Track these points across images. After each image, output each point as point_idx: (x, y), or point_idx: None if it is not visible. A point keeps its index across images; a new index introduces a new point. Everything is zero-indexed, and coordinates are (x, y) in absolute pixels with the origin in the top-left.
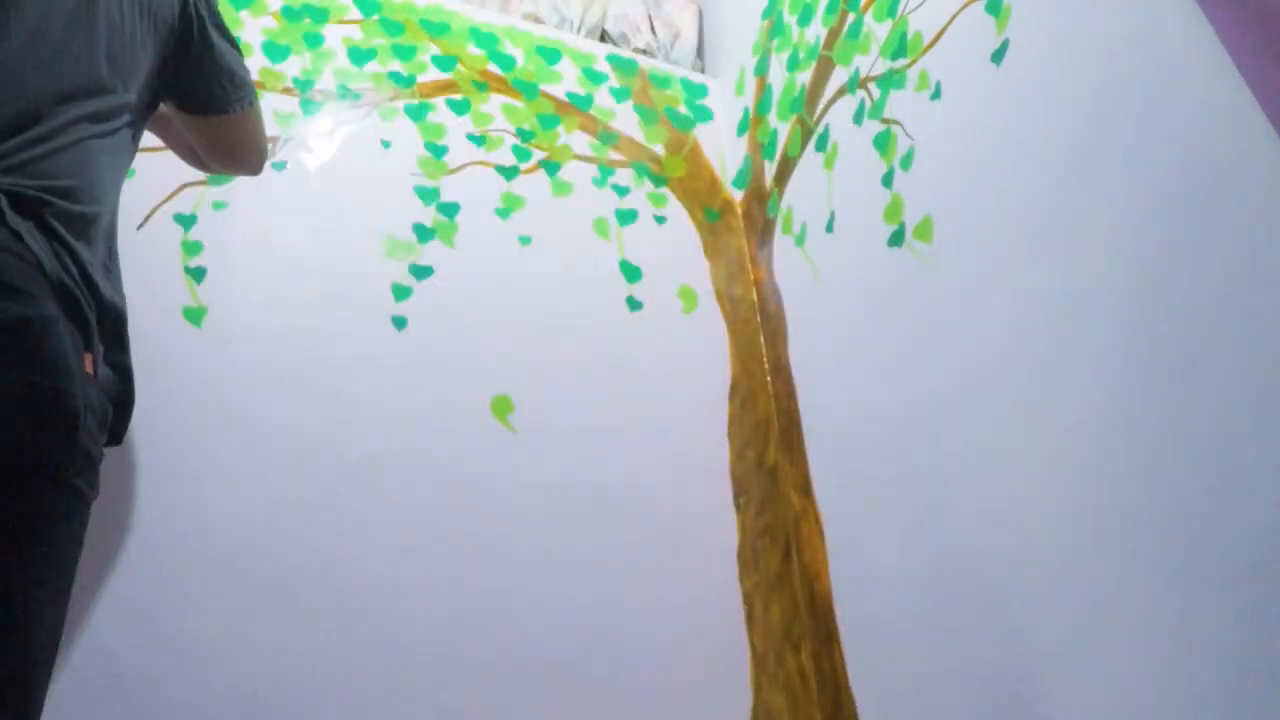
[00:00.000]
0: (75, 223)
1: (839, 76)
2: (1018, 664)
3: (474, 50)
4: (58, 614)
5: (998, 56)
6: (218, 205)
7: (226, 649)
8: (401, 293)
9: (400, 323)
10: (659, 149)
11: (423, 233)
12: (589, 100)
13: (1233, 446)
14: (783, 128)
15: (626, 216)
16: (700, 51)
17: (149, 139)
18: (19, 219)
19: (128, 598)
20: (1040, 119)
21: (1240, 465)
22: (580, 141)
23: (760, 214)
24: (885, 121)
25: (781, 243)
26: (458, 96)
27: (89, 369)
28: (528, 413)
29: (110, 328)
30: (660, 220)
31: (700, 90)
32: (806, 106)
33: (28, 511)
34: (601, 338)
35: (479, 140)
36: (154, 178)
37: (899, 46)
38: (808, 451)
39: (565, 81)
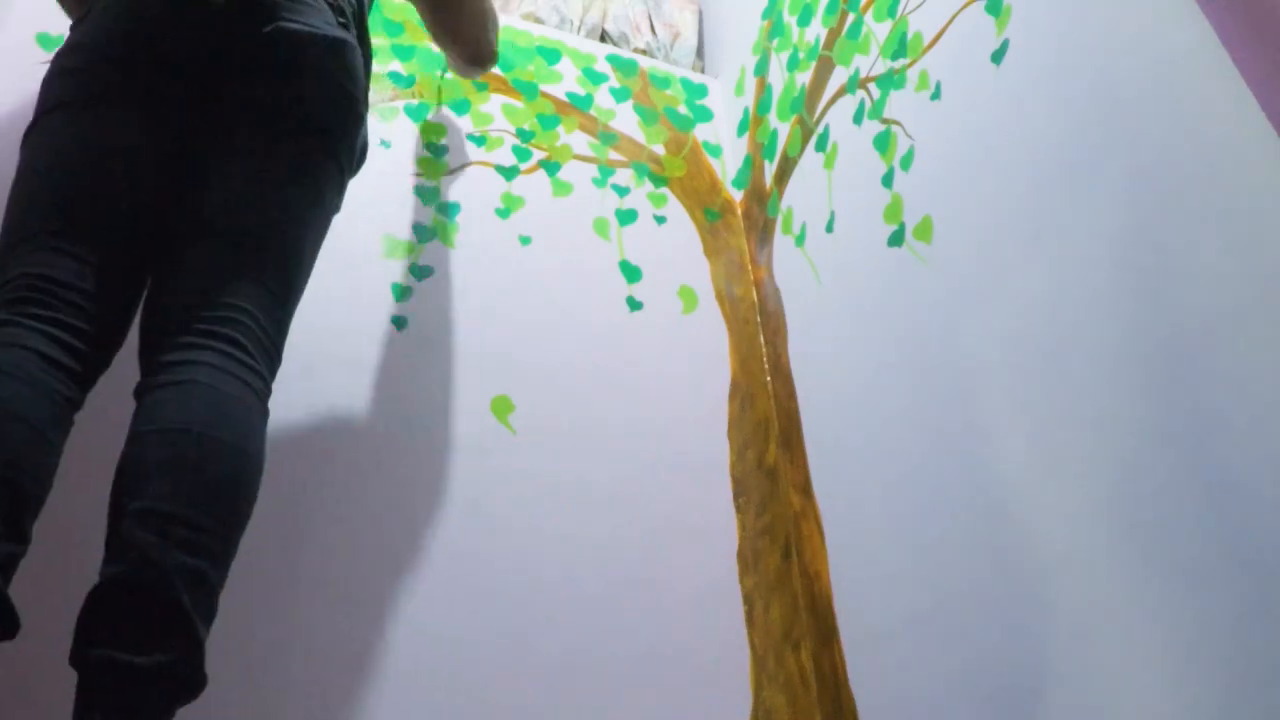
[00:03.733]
0: None
1: (839, 76)
2: (1018, 664)
3: None
4: (314, 249)
5: (998, 56)
6: None
7: (226, 649)
8: (401, 293)
9: (400, 323)
10: (659, 149)
11: (423, 233)
12: (589, 100)
13: (1233, 446)
14: (783, 128)
15: (626, 216)
16: (700, 51)
17: None
18: None
19: None
20: (1040, 119)
21: (1240, 465)
22: (580, 141)
23: (760, 214)
24: (885, 121)
25: (781, 243)
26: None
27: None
28: (528, 413)
29: (368, 65)
30: (660, 220)
31: (700, 90)
32: (806, 106)
33: (311, 167)
34: (601, 338)
35: (479, 140)
36: None
37: (899, 47)
38: (808, 451)
39: (565, 81)
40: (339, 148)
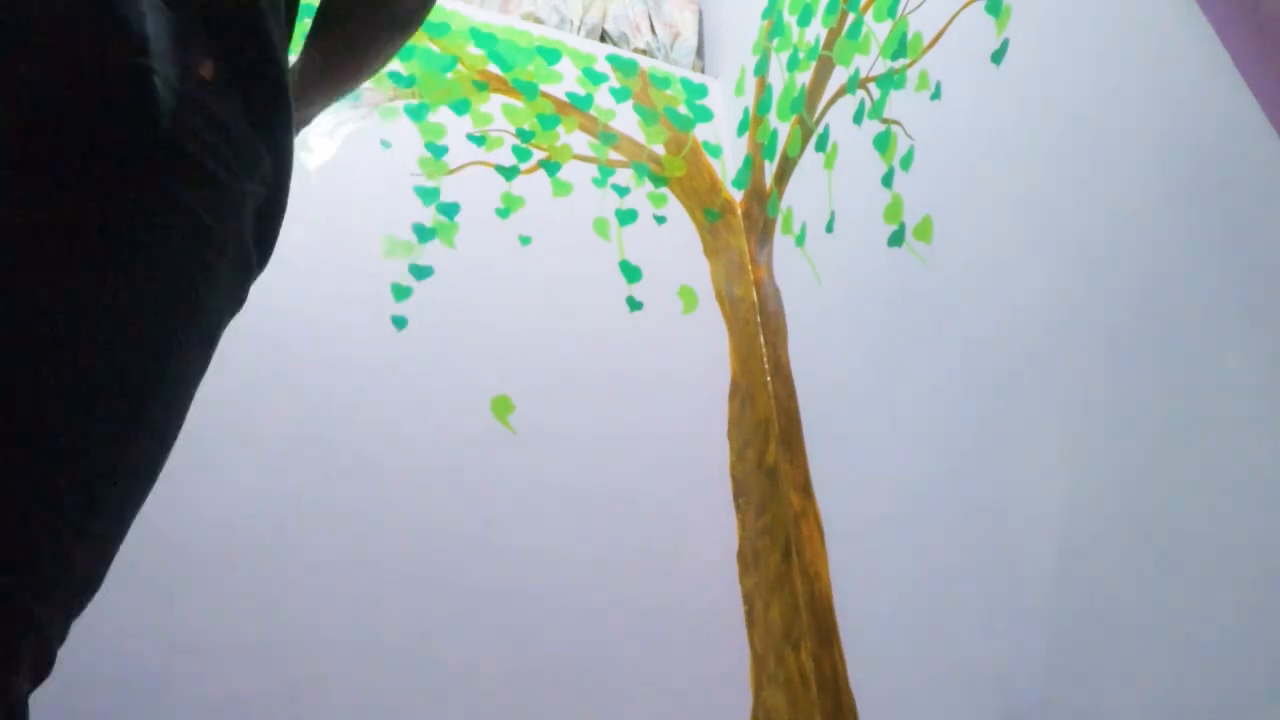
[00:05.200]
0: None
1: (839, 76)
2: (1018, 664)
3: (474, 50)
4: None
5: (998, 56)
6: None
7: (226, 649)
8: (401, 293)
9: (400, 323)
10: (659, 149)
11: (423, 233)
12: (589, 100)
13: (1233, 446)
14: (783, 128)
15: (626, 216)
16: (700, 51)
17: None
18: None
19: (128, 598)
20: (1040, 119)
21: (1240, 465)
22: (580, 141)
23: (760, 214)
24: (885, 121)
25: (781, 243)
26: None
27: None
28: (528, 413)
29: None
30: (660, 220)
31: (700, 90)
32: (806, 106)
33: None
34: (601, 338)
35: (479, 140)
36: None
37: (899, 46)
38: (808, 451)
39: (565, 81)
40: None
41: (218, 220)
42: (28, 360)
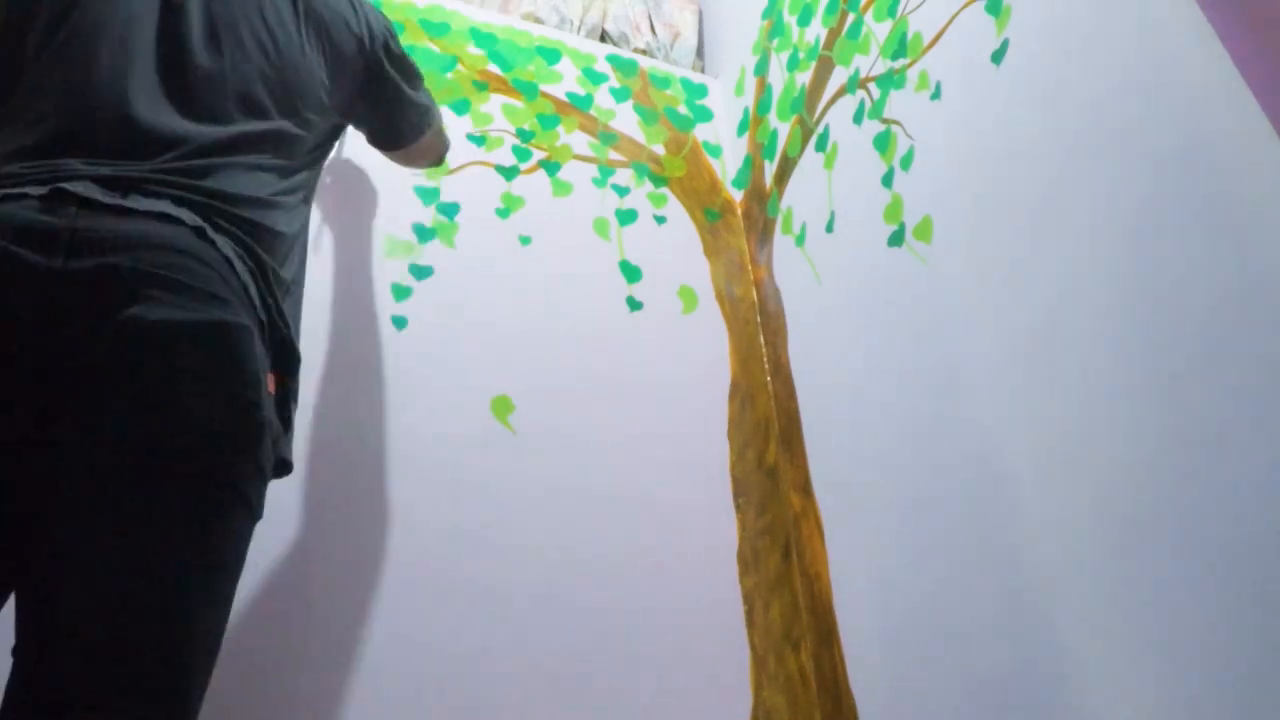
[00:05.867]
0: (263, 236)
1: (839, 76)
2: (1017, 664)
3: (474, 50)
4: (218, 622)
5: (998, 56)
6: None
7: (224, 649)
8: (401, 293)
9: (400, 323)
10: (659, 149)
11: (423, 233)
12: (589, 100)
13: (1233, 446)
14: (783, 128)
15: (626, 216)
16: (700, 51)
17: None
18: (207, 226)
19: None
20: (1040, 119)
21: (1240, 465)
22: (580, 141)
23: (760, 214)
24: (885, 121)
25: (781, 243)
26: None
27: (270, 387)
28: (528, 413)
29: (287, 349)
30: (660, 220)
31: (700, 90)
32: (806, 106)
33: (200, 515)
34: (601, 338)
35: (479, 140)
36: None
37: (899, 46)
38: (808, 451)
39: (565, 81)
40: (233, 475)
41: (259, 501)
42: None
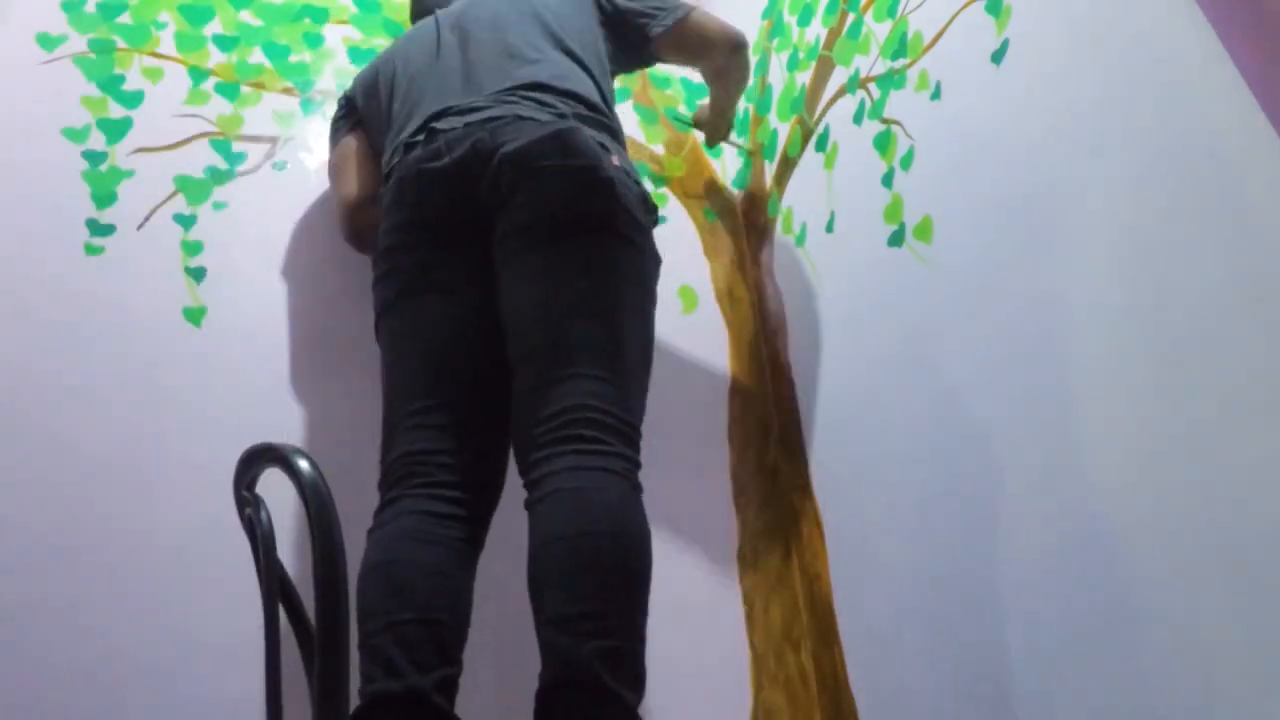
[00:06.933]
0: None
1: (839, 76)
2: (1018, 664)
3: None
4: (645, 331)
5: (998, 56)
6: (218, 205)
7: (227, 649)
8: None
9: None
10: (659, 149)
11: None
12: None
13: (1233, 446)
14: (783, 128)
15: None
16: None
17: (144, 141)
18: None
19: (133, 596)
20: (1040, 119)
21: (1241, 464)
22: None
23: (760, 214)
24: (885, 121)
25: (781, 243)
26: None
27: (615, 160)
28: None
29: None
30: (660, 220)
31: (700, 90)
32: (806, 106)
33: (607, 260)
34: None
35: None
36: (154, 178)
37: (899, 46)
38: (808, 451)
39: None
40: (611, 224)
41: (642, 239)
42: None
